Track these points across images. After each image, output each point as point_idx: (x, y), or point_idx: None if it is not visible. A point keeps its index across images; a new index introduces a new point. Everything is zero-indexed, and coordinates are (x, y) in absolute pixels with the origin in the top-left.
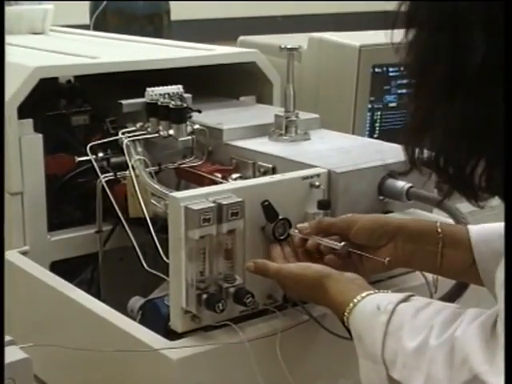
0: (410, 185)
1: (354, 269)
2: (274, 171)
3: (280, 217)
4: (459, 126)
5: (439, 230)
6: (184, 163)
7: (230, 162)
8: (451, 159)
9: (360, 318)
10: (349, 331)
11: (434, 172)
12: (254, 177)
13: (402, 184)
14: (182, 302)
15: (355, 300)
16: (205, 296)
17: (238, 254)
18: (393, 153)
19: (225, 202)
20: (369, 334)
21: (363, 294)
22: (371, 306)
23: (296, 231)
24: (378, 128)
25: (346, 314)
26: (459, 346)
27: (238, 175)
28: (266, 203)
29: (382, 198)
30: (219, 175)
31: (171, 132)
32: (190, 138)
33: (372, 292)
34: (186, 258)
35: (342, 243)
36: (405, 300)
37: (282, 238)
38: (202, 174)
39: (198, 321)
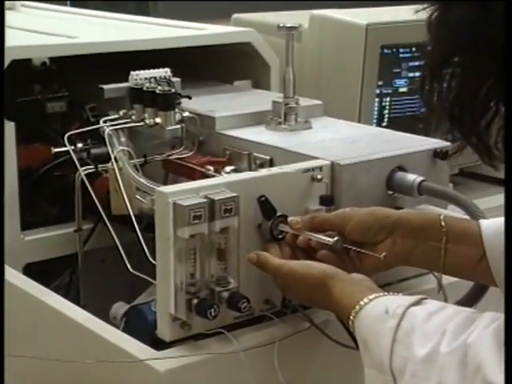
0: (422, 178)
1: (353, 267)
2: (271, 163)
3: (278, 214)
4: (479, 72)
5: (443, 223)
6: (172, 155)
7: (224, 154)
8: (467, 107)
9: (366, 322)
10: (354, 338)
11: (449, 121)
12: (250, 169)
13: (413, 177)
14: (171, 308)
15: (362, 302)
16: (195, 301)
17: (231, 255)
18: (403, 143)
19: (217, 198)
20: (376, 341)
21: (370, 297)
22: (379, 309)
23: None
24: (386, 116)
25: (351, 317)
26: (472, 354)
27: (231, 168)
28: (263, 199)
29: (391, 192)
30: (211, 168)
31: (158, 120)
32: (178, 126)
33: (380, 294)
34: (174, 259)
35: (335, 238)
36: (416, 303)
37: (280, 236)
38: (192, 166)
39: (188, 328)
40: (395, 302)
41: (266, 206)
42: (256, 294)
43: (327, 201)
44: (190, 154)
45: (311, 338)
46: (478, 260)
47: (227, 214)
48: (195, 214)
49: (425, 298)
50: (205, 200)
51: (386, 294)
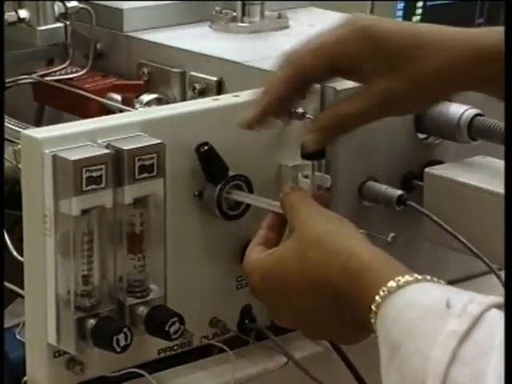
0: (476, 111)
1: None
2: (219, 89)
3: (231, 173)
4: None
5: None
6: (49, 74)
7: (139, 73)
8: None
9: (407, 312)
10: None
11: None
12: (184, 99)
13: (460, 109)
14: (50, 336)
15: (400, 279)
16: (92, 322)
17: (153, 244)
18: None
19: (128, 147)
20: (419, 347)
21: (415, 277)
22: (432, 297)
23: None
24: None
25: (377, 298)
26: None
27: (152, 97)
28: (206, 148)
29: (422, 136)
30: (118, 97)
31: (23, 14)
32: (60, 25)
33: (421, 277)
34: (55, 253)
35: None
36: (499, 306)
37: (232, 213)
38: (85, 94)
39: (81, 370)
40: (462, 293)
41: (212, 161)
42: (195, 308)
43: (315, 151)
44: (82, 72)
45: (286, 379)
46: None
47: (145, 174)
48: (90, 174)
49: None
50: (107, 151)
51: (426, 276)
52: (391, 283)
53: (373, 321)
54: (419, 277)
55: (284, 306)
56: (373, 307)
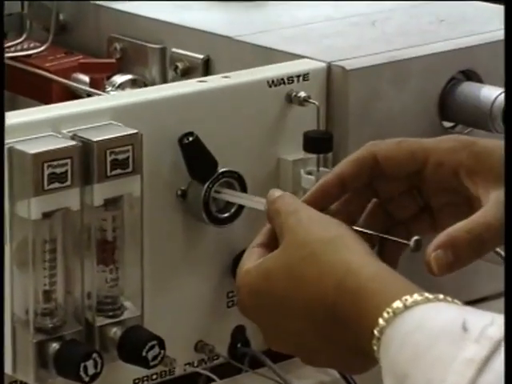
0: None
1: None
2: (207, 68)
3: (220, 169)
4: None
5: None
6: (4, 50)
7: (109, 49)
8: None
9: (417, 336)
10: None
11: None
12: (164, 81)
13: (493, 93)
14: (6, 363)
15: (407, 299)
16: (55, 346)
17: (127, 253)
18: (477, 23)
19: (98, 138)
20: (431, 378)
21: (426, 296)
22: (445, 318)
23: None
24: None
25: (380, 321)
26: None
27: (127, 77)
28: (191, 140)
29: (449, 124)
30: (85, 78)
31: None
32: None
33: (432, 296)
34: (11, 264)
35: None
36: None
37: (223, 216)
38: (46, 74)
39: None
40: (481, 314)
41: (197, 155)
42: (178, 330)
43: (320, 142)
44: (41, 49)
45: None
46: None
47: (118, 170)
48: (53, 170)
49: None
50: (72, 143)
51: (437, 295)
52: (397, 303)
53: (375, 348)
54: (430, 296)
55: (275, 328)
56: (375, 332)
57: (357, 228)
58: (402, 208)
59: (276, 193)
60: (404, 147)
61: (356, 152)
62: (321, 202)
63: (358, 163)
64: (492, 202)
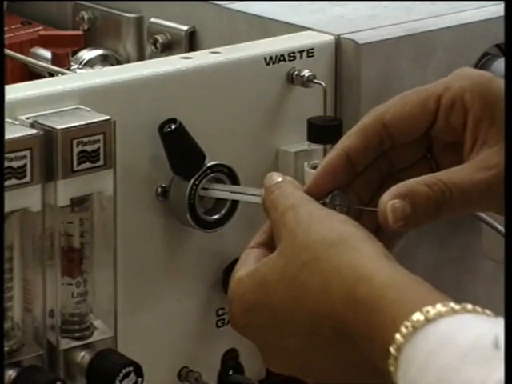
0: None
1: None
2: (191, 42)
3: (209, 163)
4: None
5: None
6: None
7: (75, 18)
8: None
9: (441, 356)
10: None
11: None
12: (142, 57)
13: None
14: None
15: (430, 311)
16: (12, 374)
17: (98, 263)
18: None
19: (62, 126)
20: None
21: (451, 306)
22: (476, 334)
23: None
24: None
25: (397, 336)
26: None
27: (96, 53)
28: (174, 127)
29: None
30: (46, 53)
31: None
32: None
33: (459, 307)
34: None
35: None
36: None
37: (211, 218)
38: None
39: None
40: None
41: (181, 145)
42: (158, 354)
43: (327, 130)
44: None
45: None
46: None
47: (87, 164)
48: (9, 164)
49: None
50: (32, 131)
51: (467, 305)
52: (417, 316)
53: (392, 369)
54: (456, 306)
55: (274, 346)
56: (392, 350)
57: (360, 207)
58: (414, 176)
59: (275, 177)
60: (411, 99)
61: (358, 123)
62: (328, 186)
63: (363, 133)
64: (474, 162)
